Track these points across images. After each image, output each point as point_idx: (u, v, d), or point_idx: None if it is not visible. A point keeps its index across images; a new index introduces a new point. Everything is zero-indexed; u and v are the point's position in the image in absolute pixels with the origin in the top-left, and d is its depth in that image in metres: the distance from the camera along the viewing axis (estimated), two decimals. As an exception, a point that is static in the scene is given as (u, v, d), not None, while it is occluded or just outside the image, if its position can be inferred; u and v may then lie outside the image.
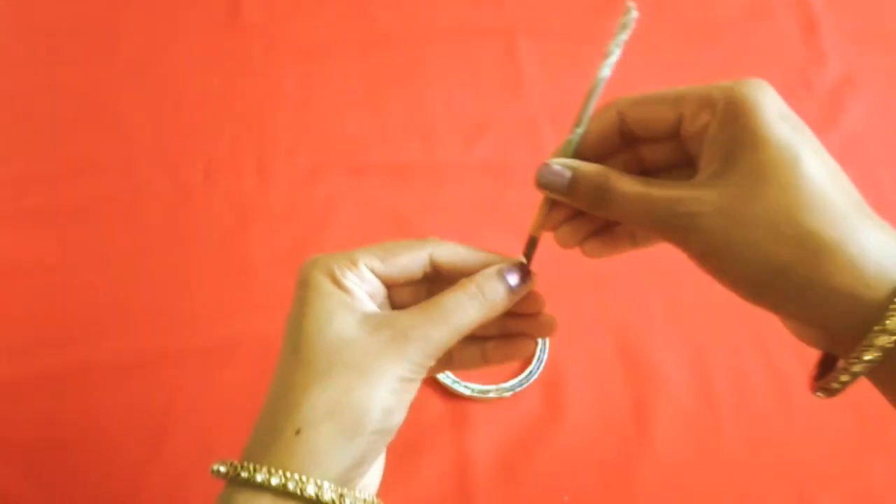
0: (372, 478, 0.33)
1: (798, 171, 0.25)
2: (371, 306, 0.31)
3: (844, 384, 0.26)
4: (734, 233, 0.26)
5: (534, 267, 0.32)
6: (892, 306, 0.24)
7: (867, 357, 0.25)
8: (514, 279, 0.31)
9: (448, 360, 0.34)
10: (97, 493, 0.49)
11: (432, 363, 0.30)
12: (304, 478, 0.27)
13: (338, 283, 0.30)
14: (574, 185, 0.30)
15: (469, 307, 0.30)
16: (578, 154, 0.31)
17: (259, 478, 0.27)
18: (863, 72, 0.66)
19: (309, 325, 0.30)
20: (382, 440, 0.29)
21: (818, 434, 0.50)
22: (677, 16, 0.70)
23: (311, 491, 0.27)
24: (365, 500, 0.28)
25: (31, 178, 0.61)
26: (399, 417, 0.29)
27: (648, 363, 0.53)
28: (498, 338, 0.34)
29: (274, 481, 0.27)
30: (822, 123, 0.64)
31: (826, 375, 0.27)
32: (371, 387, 0.28)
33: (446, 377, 0.51)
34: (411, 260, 0.31)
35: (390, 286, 0.32)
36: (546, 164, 0.30)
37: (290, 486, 0.27)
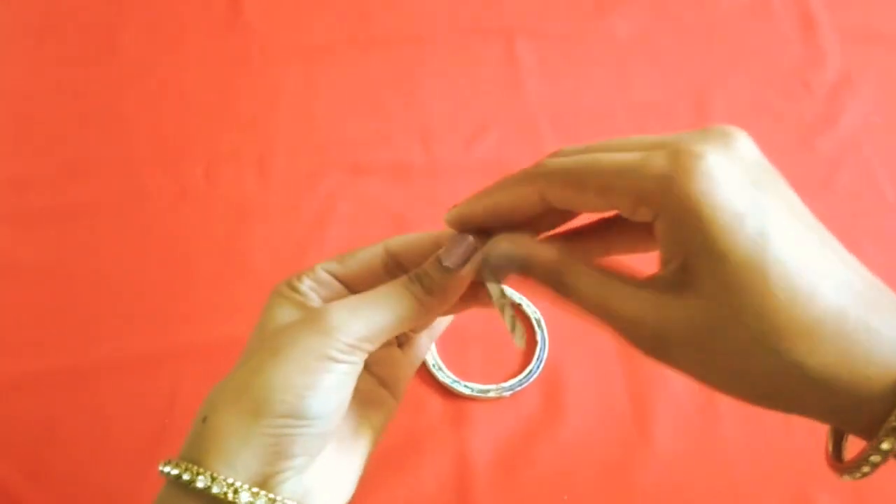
0: (325, 492, 0.28)
1: (767, 290, 0.22)
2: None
3: (876, 466, 0.23)
4: (710, 361, 0.24)
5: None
6: None
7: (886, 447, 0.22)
8: (452, 259, 0.28)
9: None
10: (97, 492, 0.49)
11: (368, 346, 0.27)
12: (198, 469, 0.26)
13: (293, 288, 0.30)
14: (530, 273, 0.27)
15: (403, 296, 0.28)
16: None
17: (165, 469, 0.27)
18: (861, 71, 0.66)
19: (257, 328, 0.30)
20: (303, 429, 0.26)
21: (818, 434, 0.50)
22: (676, 15, 0.70)
23: (201, 484, 0.25)
24: (273, 500, 0.25)
25: (31, 178, 0.61)
26: (318, 402, 0.26)
27: (648, 363, 0.53)
28: None
29: (174, 472, 0.26)
30: (821, 123, 0.64)
31: (841, 450, 0.26)
32: (279, 364, 0.26)
33: (446, 377, 0.51)
34: (366, 255, 0.30)
35: (353, 285, 0.31)
36: (490, 254, 0.27)
37: (185, 477, 0.26)
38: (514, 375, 0.52)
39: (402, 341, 0.34)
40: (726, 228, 0.22)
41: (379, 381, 0.32)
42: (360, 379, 0.31)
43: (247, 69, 0.66)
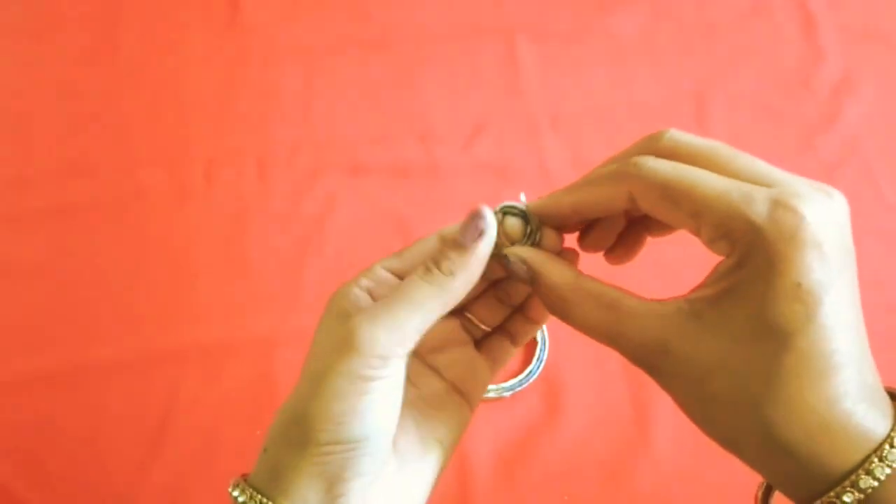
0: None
1: (791, 364, 0.23)
2: None
3: None
4: (694, 394, 0.25)
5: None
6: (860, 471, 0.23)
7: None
8: (467, 235, 0.27)
9: (490, 362, 0.33)
10: (97, 492, 0.49)
11: (401, 350, 0.27)
12: (261, 499, 0.26)
13: (343, 295, 0.29)
14: (536, 287, 0.28)
15: (420, 288, 0.27)
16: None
17: (234, 493, 0.27)
18: (861, 71, 0.66)
19: (311, 343, 0.29)
20: (351, 452, 0.26)
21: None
22: (676, 15, 0.70)
23: None
24: None
25: (31, 178, 0.61)
26: (360, 425, 0.26)
27: (648, 363, 0.53)
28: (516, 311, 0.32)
29: (241, 499, 0.27)
30: (821, 123, 0.64)
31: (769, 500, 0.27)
32: (317, 394, 0.26)
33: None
34: (422, 246, 0.30)
35: None
36: (511, 259, 0.28)
37: None
38: (514, 375, 0.52)
39: (479, 341, 0.33)
40: (789, 293, 0.22)
41: (451, 386, 0.32)
42: (427, 386, 0.31)
43: (247, 69, 0.66)
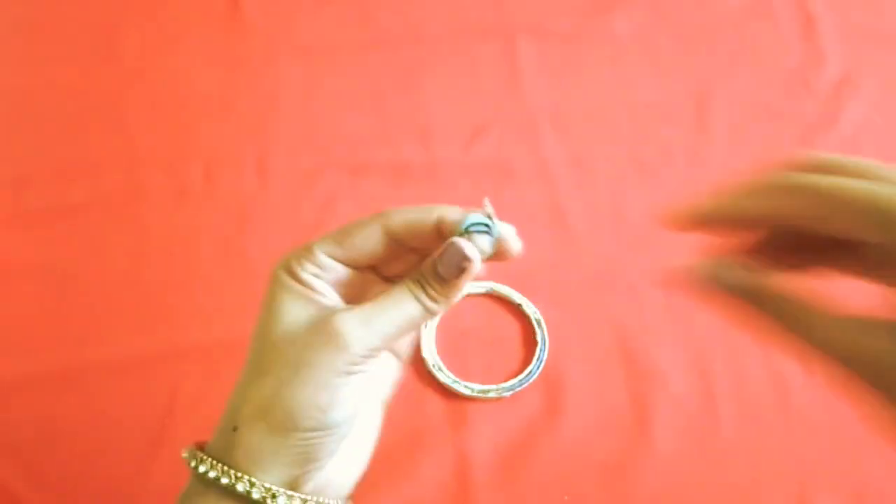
0: (342, 475, 0.31)
1: None
2: (330, 298, 0.30)
3: None
4: None
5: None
6: None
7: None
8: (449, 272, 0.28)
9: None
10: (97, 493, 0.49)
11: (376, 354, 0.29)
12: (237, 474, 0.28)
13: (295, 277, 0.30)
14: (759, 306, 0.24)
15: (411, 304, 0.29)
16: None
17: (201, 469, 0.28)
18: (862, 72, 0.66)
19: (263, 322, 0.30)
20: (327, 437, 0.28)
21: (818, 434, 0.51)
22: (676, 15, 0.70)
23: (241, 488, 0.27)
24: (305, 501, 0.28)
25: (31, 178, 0.61)
26: (340, 413, 0.28)
27: (648, 363, 0.53)
28: None
29: (212, 474, 0.28)
30: (821, 123, 0.64)
31: None
32: (301, 383, 0.28)
33: (446, 377, 0.51)
34: (365, 238, 0.30)
35: (354, 264, 0.31)
36: (722, 276, 0.25)
37: (224, 481, 0.28)
38: (514, 375, 0.52)
39: None
40: None
41: None
42: None
43: (247, 69, 0.66)
